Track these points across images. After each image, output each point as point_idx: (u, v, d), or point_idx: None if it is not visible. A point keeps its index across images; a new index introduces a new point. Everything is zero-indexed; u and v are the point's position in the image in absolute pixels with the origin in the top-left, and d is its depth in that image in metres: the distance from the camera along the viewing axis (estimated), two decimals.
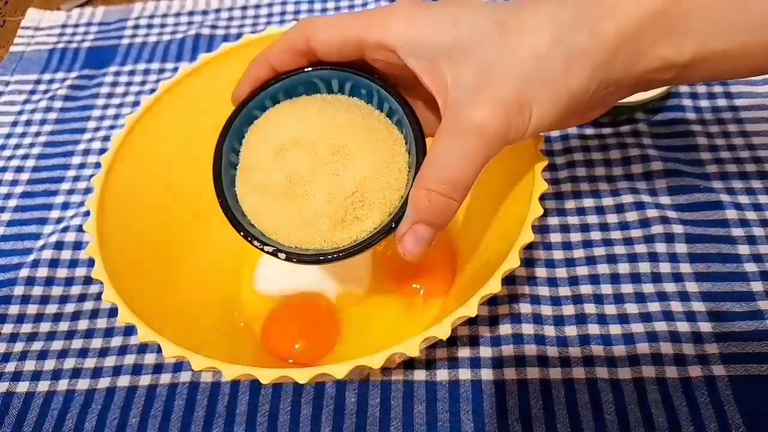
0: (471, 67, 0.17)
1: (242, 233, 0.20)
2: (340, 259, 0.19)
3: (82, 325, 0.30)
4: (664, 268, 0.29)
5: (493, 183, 0.26)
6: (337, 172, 0.19)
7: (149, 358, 0.28)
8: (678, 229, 0.30)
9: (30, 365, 0.29)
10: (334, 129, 0.20)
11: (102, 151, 0.38)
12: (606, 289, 0.28)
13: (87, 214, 0.34)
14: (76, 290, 0.31)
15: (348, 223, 0.20)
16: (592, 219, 0.31)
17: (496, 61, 0.17)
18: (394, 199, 0.20)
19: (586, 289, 0.29)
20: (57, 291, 0.31)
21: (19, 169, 0.38)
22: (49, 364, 0.29)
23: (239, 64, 0.29)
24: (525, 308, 0.28)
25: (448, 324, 0.19)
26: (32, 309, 0.31)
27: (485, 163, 0.18)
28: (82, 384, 0.28)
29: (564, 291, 0.29)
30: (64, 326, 0.30)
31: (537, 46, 0.16)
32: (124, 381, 0.28)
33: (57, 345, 0.29)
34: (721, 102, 0.35)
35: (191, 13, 0.46)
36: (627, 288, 0.28)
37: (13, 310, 0.31)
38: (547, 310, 0.28)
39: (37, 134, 0.39)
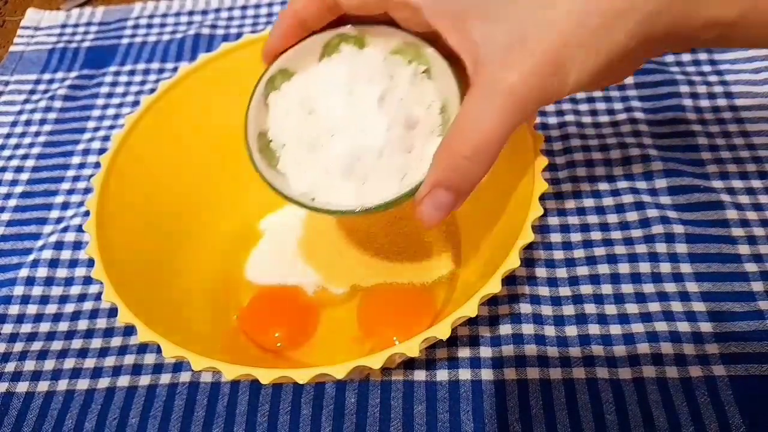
0: (502, 25, 0.16)
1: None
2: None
3: (82, 325, 0.30)
4: (665, 268, 0.29)
5: (494, 183, 0.26)
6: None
7: (149, 358, 0.28)
8: (678, 229, 0.29)
9: (30, 365, 0.29)
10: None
11: (102, 150, 0.38)
12: (606, 289, 0.28)
13: (87, 214, 0.34)
14: (75, 290, 0.31)
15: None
16: (593, 219, 0.31)
17: (528, 18, 0.15)
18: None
19: (586, 289, 0.29)
20: (57, 291, 0.31)
21: (19, 169, 0.38)
22: (49, 364, 0.29)
23: (239, 63, 0.29)
24: (525, 308, 0.28)
25: (448, 324, 0.19)
26: (32, 309, 0.31)
27: (516, 126, 0.17)
28: (82, 384, 0.28)
29: (564, 291, 0.29)
30: (63, 326, 0.30)
31: (574, 2, 0.15)
32: (123, 381, 0.28)
33: (57, 345, 0.29)
34: (722, 102, 0.35)
35: (191, 13, 0.46)
36: (627, 288, 0.28)
37: (13, 310, 0.31)
38: (547, 310, 0.28)
39: (37, 134, 0.39)
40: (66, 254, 0.33)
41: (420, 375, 0.27)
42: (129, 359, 0.28)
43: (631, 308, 0.28)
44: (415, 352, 0.19)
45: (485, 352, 0.27)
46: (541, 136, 0.23)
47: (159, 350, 0.20)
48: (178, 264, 0.27)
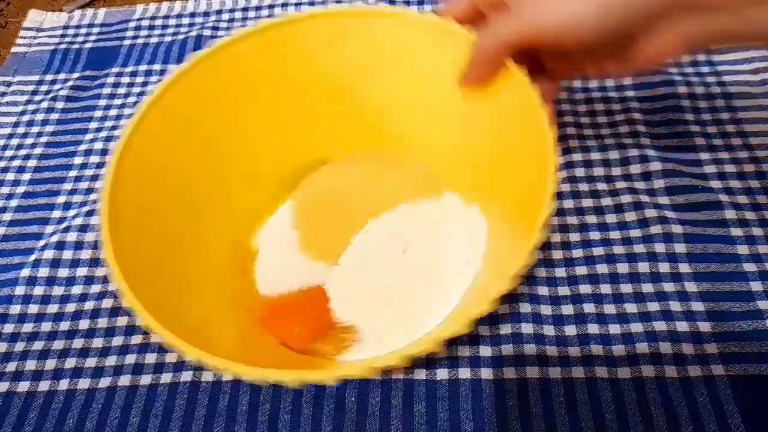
0: None
1: None
2: None
3: (83, 324, 0.30)
4: (663, 267, 0.29)
5: (505, 185, 0.26)
6: None
7: (150, 358, 0.28)
8: (677, 228, 0.30)
9: (31, 365, 0.29)
10: None
11: (104, 151, 0.38)
12: (605, 288, 0.29)
13: (89, 214, 0.34)
14: (77, 290, 0.32)
15: None
16: (591, 219, 0.31)
17: None
18: None
19: (585, 288, 0.29)
20: (58, 291, 0.32)
21: (21, 169, 0.38)
22: (50, 364, 0.29)
23: (253, 56, 0.29)
24: (524, 307, 0.28)
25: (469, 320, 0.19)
26: (33, 308, 0.31)
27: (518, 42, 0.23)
28: (83, 383, 0.28)
29: (563, 290, 0.29)
30: (65, 326, 0.30)
31: None
32: (125, 380, 0.28)
33: (58, 344, 0.30)
34: (719, 102, 0.35)
35: (193, 15, 0.46)
36: (626, 288, 0.28)
37: (14, 309, 0.31)
38: (546, 309, 0.28)
39: (39, 134, 0.40)
40: (68, 254, 0.33)
41: (420, 374, 0.27)
42: (130, 359, 0.29)
43: (630, 308, 0.28)
44: (438, 348, 0.19)
45: (485, 351, 0.27)
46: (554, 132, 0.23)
47: (160, 350, 0.20)
48: (191, 263, 0.27)
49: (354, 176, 0.33)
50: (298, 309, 0.28)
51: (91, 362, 0.29)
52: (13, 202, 0.36)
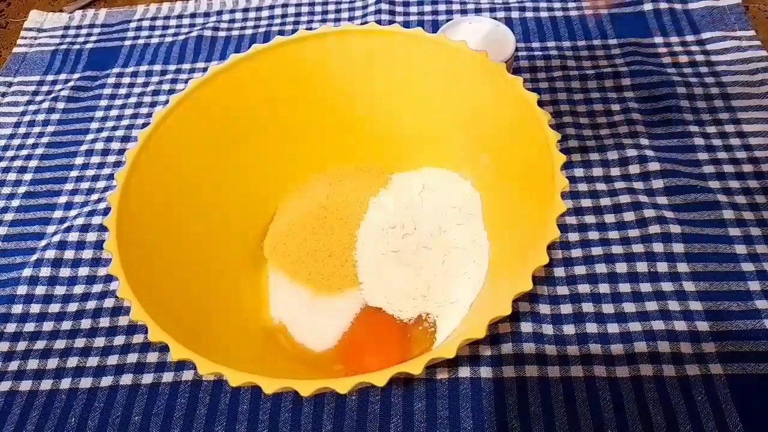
0: None
1: None
2: None
3: (85, 324, 0.30)
4: (662, 267, 0.29)
5: (513, 188, 0.27)
6: None
7: (152, 357, 0.29)
8: (675, 228, 0.30)
9: (33, 364, 0.29)
10: None
11: (105, 151, 0.38)
12: (604, 288, 0.29)
13: (90, 213, 0.35)
14: (78, 289, 0.32)
15: None
16: (590, 219, 0.31)
17: None
18: None
19: (584, 288, 0.29)
20: (60, 290, 0.32)
21: (23, 170, 0.38)
22: (52, 363, 0.29)
23: (266, 65, 0.29)
24: (523, 307, 0.28)
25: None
26: (35, 308, 0.31)
27: None
28: (85, 382, 0.28)
29: (562, 290, 0.29)
30: (66, 325, 0.30)
31: None
32: (126, 379, 0.28)
33: (60, 344, 0.30)
34: (719, 103, 0.35)
35: (193, 15, 0.46)
36: (624, 287, 0.29)
37: (17, 309, 0.31)
38: (545, 308, 0.28)
39: (40, 135, 0.40)
40: (69, 254, 0.33)
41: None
42: (132, 358, 0.29)
43: (629, 307, 0.28)
44: (452, 353, 0.19)
45: (484, 350, 0.27)
46: (558, 134, 0.23)
47: (162, 349, 0.20)
48: (197, 269, 0.27)
49: (343, 189, 0.33)
50: (367, 340, 0.27)
51: (93, 361, 0.29)
52: (15, 202, 0.36)
